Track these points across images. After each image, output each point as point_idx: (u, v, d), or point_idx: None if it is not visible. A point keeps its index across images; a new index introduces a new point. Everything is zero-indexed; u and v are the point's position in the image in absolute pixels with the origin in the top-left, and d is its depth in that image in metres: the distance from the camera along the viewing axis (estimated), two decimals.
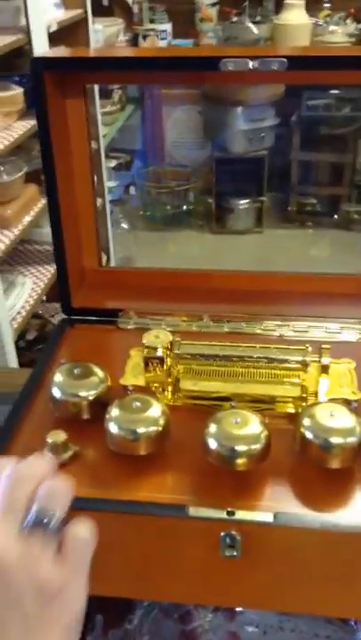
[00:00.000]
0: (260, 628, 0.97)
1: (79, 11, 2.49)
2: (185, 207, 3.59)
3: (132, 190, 3.68)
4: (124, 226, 3.51)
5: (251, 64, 0.72)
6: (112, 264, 2.93)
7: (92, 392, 0.73)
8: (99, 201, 2.73)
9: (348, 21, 3.60)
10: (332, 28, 3.51)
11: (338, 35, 3.47)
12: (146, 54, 0.83)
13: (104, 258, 2.94)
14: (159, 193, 3.60)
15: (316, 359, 0.76)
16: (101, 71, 0.81)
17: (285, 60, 0.71)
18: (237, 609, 0.92)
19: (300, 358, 0.75)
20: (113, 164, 3.37)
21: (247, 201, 3.50)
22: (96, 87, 2.54)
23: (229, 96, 3.32)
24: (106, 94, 3.09)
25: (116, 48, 2.83)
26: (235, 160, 3.44)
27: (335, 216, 3.47)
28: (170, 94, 3.61)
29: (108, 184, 3.05)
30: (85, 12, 2.51)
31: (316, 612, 0.77)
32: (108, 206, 2.92)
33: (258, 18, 3.54)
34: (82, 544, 0.49)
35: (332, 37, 3.44)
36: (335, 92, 3.33)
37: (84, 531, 0.49)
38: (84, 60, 0.80)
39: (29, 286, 2.18)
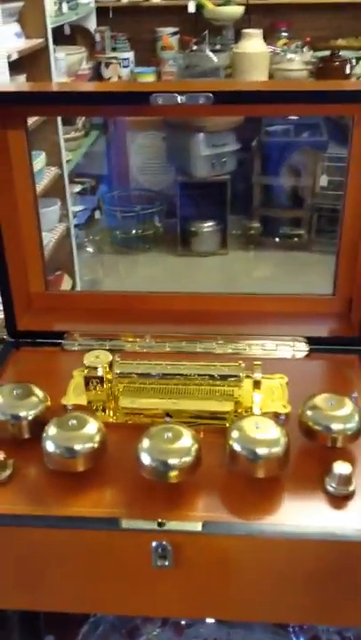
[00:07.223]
0: None
1: (40, 40, 2.52)
2: (150, 230, 3.65)
3: (98, 214, 3.72)
4: (90, 249, 3.54)
5: (179, 99, 0.76)
6: (78, 287, 2.96)
7: (32, 412, 0.75)
8: (63, 225, 2.77)
9: (305, 49, 3.72)
10: (289, 56, 3.61)
11: (295, 62, 3.57)
12: (85, 89, 0.87)
13: (69, 281, 2.97)
14: (125, 217, 3.64)
15: (250, 375, 0.80)
16: (41, 105, 0.84)
17: (212, 94, 0.76)
18: (183, 622, 0.94)
19: (233, 374, 0.79)
20: (78, 188, 3.41)
21: (211, 224, 3.56)
22: None
23: (191, 123, 3.39)
24: (69, 121, 3.14)
25: (60, 83, 2.85)
26: (198, 184, 3.51)
27: (296, 238, 3.55)
28: (133, 121, 3.67)
29: (73, 208, 3.08)
30: (46, 40, 2.55)
31: (249, 618, 0.80)
32: (72, 230, 2.94)
33: (217, 46, 3.64)
34: None
35: (290, 65, 3.54)
36: (293, 117, 3.42)
37: None
38: (23, 94, 0.84)
39: None
